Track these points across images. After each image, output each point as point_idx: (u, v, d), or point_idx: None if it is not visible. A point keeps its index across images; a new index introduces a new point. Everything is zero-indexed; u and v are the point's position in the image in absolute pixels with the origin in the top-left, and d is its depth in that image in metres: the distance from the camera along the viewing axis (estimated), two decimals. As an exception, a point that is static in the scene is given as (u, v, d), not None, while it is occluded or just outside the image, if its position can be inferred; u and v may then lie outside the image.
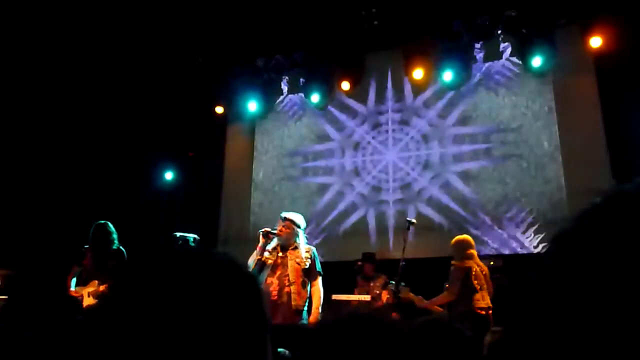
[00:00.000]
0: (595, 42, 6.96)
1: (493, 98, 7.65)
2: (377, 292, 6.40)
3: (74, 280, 5.58)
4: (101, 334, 0.73)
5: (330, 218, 8.22)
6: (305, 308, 4.76)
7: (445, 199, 7.57)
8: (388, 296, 6.01)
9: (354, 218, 8.08)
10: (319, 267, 4.97)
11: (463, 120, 7.76)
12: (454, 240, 5.47)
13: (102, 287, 5.42)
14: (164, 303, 0.72)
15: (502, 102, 7.58)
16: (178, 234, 6.69)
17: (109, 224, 5.69)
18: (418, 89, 8.06)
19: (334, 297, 6.07)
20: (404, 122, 8.11)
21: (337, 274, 6.24)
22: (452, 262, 5.28)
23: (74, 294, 5.27)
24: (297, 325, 4.63)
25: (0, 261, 7.37)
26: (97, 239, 5.59)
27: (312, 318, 4.71)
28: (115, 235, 5.67)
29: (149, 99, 8.51)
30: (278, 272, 4.80)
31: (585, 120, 7.07)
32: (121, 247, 5.69)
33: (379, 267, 6.72)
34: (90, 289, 5.44)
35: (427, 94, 8.03)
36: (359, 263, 6.75)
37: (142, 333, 0.71)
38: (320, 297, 4.87)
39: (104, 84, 8.25)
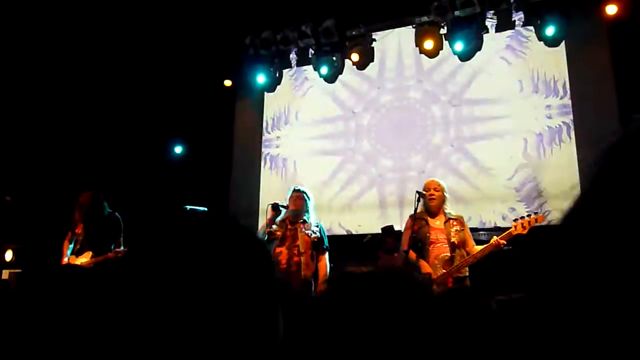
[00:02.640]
0: (611, 9, 6.78)
1: (505, 68, 7.52)
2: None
3: (70, 247, 5.36)
4: (115, 297, 0.75)
5: (340, 191, 8.19)
6: (313, 281, 4.79)
7: (455, 171, 7.51)
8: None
9: (365, 190, 8.04)
10: (326, 242, 5.01)
11: (474, 91, 7.65)
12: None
13: (98, 259, 5.12)
14: (177, 268, 0.73)
15: (515, 72, 7.45)
16: (188, 207, 6.67)
17: (96, 192, 5.39)
18: (428, 59, 7.93)
19: (349, 269, 6.08)
20: (414, 93, 8.02)
21: (349, 248, 6.24)
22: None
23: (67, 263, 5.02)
24: (309, 295, 4.66)
25: (12, 235, 7.45)
26: (84, 209, 5.27)
27: (318, 291, 4.72)
28: (105, 203, 5.37)
29: (157, 73, 8.47)
30: (287, 243, 4.83)
31: (599, 89, 6.93)
32: (116, 214, 5.41)
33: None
34: (84, 259, 5.17)
35: (438, 64, 7.91)
36: (379, 236, 6.77)
37: (154, 295, 0.71)
38: (326, 272, 4.91)
39: (111, 58, 8.21)
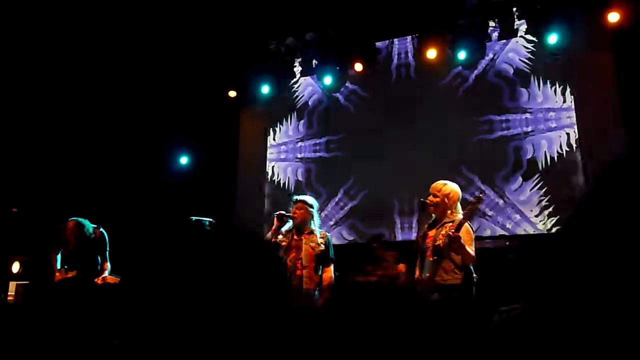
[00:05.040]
0: (613, 17, 6.80)
1: (508, 76, 7.53)
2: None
3: (58, 258, 5.44)
4: None
5: (347, 200, 8.19)
6: (316, 292, 4.74)
7: (458, 180, 7.49)
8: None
9: (372, 200, 8.03)
10: (332, 253, 4.92)
11: (477, 99, 7.65)
12: (453, 189, 4.47)
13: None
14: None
15: (517, 80, 7.46)
16: (194, 218, 6.67)
17: (78, 220, 5.47)
18: (431, 68, 7.94)
19: (351, 278, 6.07)
20: (419, 103, 8.01)
21: (355, 256, 6.23)
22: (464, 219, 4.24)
23: (59, 277, 5.19)
24: (310, 306, 4.62)
25: (19, 247, 7.47)
26: (70, 243, 5.38)
27: (322, 300, 4.69)
28: (87, 227, 5.46)
29: (162, 83, 8.51)
30: (291, 255, 4.77)
31: (602, 97, 6.92)
32: (101, 229, 5.54)
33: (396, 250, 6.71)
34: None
35: (441, 73, 7.92)
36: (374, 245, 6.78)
37: None
38: (331, 282, 4.83)
39: (116, 70, 8.26)
